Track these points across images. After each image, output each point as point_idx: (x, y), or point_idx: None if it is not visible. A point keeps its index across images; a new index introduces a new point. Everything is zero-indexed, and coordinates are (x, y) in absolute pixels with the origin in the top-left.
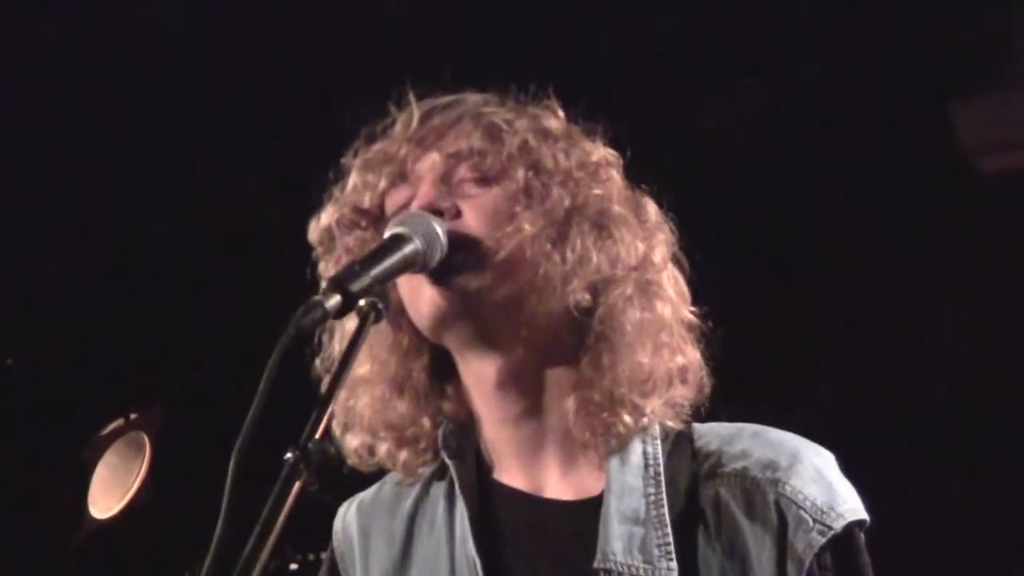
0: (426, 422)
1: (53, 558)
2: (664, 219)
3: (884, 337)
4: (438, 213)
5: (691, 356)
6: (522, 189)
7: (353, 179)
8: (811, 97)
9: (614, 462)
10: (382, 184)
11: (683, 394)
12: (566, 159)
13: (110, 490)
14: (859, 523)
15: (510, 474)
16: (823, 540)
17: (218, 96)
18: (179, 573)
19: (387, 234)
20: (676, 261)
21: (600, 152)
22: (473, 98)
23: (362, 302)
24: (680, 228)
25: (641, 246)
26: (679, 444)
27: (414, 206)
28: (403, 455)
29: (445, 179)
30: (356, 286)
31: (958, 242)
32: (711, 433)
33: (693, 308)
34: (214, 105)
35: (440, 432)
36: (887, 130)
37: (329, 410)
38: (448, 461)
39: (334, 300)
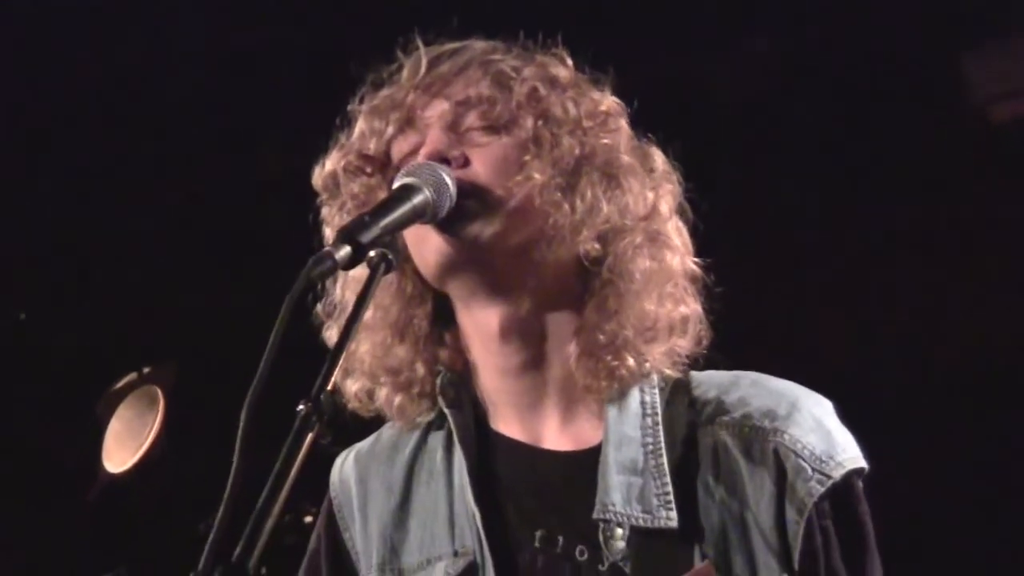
0: (421, 368)
1: (67, 512)
2: (670, 169)
3: (895, 290)
4: (446, 162)
5: (692, 307)
6: (531, 138)
7: (360, 126)
8: (821, 52)
9: (612, 411)
10: (389, 131)
11: (683, 344)
12: (575, 108)
13: (124, 444)
14: (858, 472)
15: (508, 424)
16: (822, 489)
17: (230, 55)
18: (193, 526)
19: (396, 184)
20: (681, 211)
21: (608, 101)
22: (480, 45)
23: (372, 253)
24: (688, 187)
25: (650, 196)
26: (677, 392)
27: (422, 154)
28: (400, 400)
29: (453, 127)
30: (366, 237)
31: (970, 191)
32: (709, 381)
33: (696, 260)
34: (226, 63)
35: (438, 381)
36: (897, 82)
37: (340, 361)
38: (446, 410)
39: (344, 251)
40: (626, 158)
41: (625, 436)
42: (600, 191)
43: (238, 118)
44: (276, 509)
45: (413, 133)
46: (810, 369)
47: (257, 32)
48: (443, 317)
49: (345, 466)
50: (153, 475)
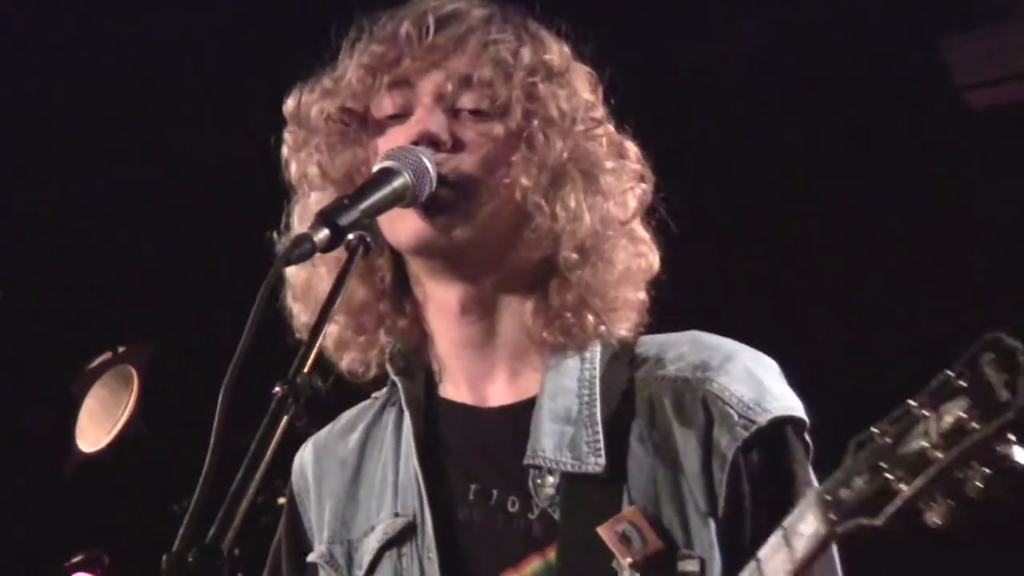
0: (383, 337)
1: (41, 491)
2: (643, 163)
3: (878, 270)
4: (434, 144)
5: (643, 295)
6: (523, 136)
7: (350, 75)
8: (806, 34)
9: (552, 364)
10: (379, 90)
11: (640, 320)
12: (568, 106)
13: (98, 423)
14: (791, 421)
15: (457, 389)
16: (747, 435)
17: (212, 31)
18: (168, 506)
19: (376, 168)
20: (651, 208)
21: (596, 96)
22: (478, 13)
23: (351, 236)
24: (673, 167)
25: (630, 199)
26: (620, 350)
27: (413, 131)
28: (349, 357)
29: (446, 105)
30: (345, 220)
31: (950, 176)
32: (652, 341)
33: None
34: (206, 40)
35: (387, 351)
36: (880, 66)
37: (318, 344)
38: (395, 379)
39: (323, 234)
40: (610, 163)
41: (562, 387)
42: (583, 196)
43: (216, 93)
44: (251, 490)
45: (400, 97)
46: (794, 353)
47: None
48: (404, 285)
49: (304, 452)
50: (127, 455)
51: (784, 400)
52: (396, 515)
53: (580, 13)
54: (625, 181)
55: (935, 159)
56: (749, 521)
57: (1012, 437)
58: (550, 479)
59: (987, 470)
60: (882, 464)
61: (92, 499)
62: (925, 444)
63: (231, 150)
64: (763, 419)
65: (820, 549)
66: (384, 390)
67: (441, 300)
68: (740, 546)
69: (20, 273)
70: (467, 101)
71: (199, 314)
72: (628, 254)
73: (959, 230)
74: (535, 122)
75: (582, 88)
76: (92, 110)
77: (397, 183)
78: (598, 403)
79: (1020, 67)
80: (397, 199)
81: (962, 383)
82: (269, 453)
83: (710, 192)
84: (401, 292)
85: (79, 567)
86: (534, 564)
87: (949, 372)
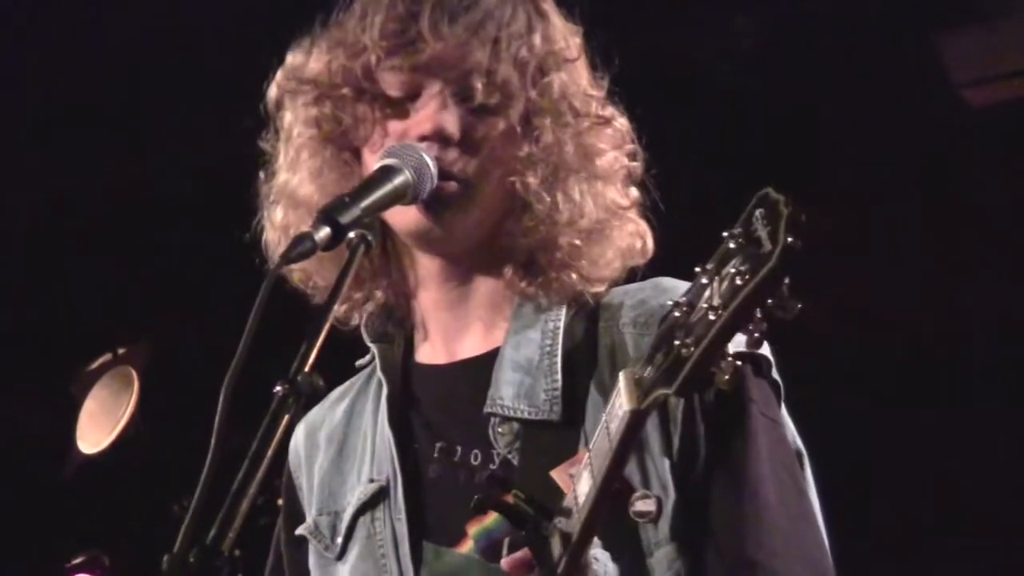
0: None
1: (41, 493)
2: (633, 138)
3: (873, 271)
4: (444, 139)
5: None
6: (533, 135)
7: (362, 40)
8: (800, 31)
9: (519, 313)
10: (391, 68)
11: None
12: (576, 98)
13: (98, 425)
14: (751, 359)
15: (434, 351)
16: None
17: (209, 33)
18: (168, 508)
19: (377, 165)
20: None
21: (592, 72)
22: (487, 3)
23: (351, 234)
24: (670, 163)
25: (633, 189)
26: (587, 301)
27: (426, 127)
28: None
29: (457, 98)
30: (345, 218)
31: (947, 173)
32: (617, 291)
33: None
34: (203, 41)
35: (364, 317)
36: (875, 63)
37: (319, 343)
38: (371, 345)
39: (323, 232)
40: (612, 154)
41: (525, 338)
42: (585, 187)
43: (216, 93)
44: (251, 491)
45: (409, 80)
46: (794, 353)
47: None
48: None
49: (298, 432)
50: (128, 456)
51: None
52: (371, 481)
53: (580, 13)
54: (620, 165)
55: (931, 157)
56: (703, 458)
57: (783, 287)
58: (510, 427)
59: (764, 323)
60: (676, 335)
61: (93, 500)
62: (707, 307)
63: (232, 150)
64: None
65: (633, 427)
66: (367, 357)
67: (426, 267)
68: (694, 483)
69: (19, 274)
70: (479, 96)
71: (199, 315)
72: (624, 233)
73: (955, 228)
74: (546, 120)
75: (584, 71)
76: (92, 109)
77: (398, 181)
78: (559, 352)
79: (1017, 65)
80: (398, 197)
81: (739, 243)
82: (270, 453)
83: (707, 189)
84: (386, 255)
85: (80, 568)
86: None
87: (725, 234)
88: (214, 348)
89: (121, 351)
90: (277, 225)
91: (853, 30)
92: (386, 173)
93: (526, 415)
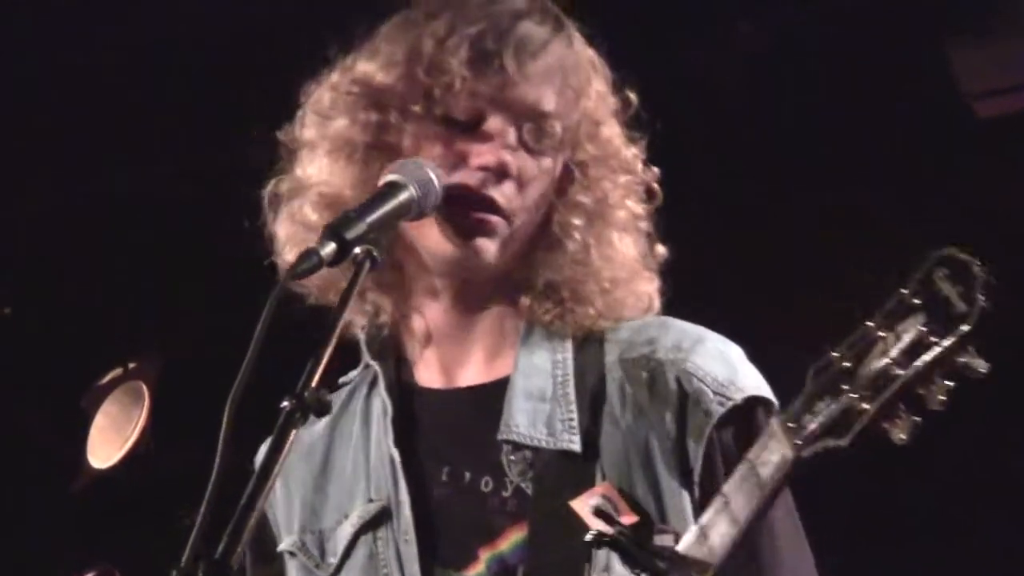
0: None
1: (52, 508)
2: (651, 171)
3: (881, 277)
4: (502, 175)
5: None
6: (583, 173)
7: (446, 70)
8: (806, 40)
9: (525, 343)
10: (468, 96)
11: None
12: (619, 143)
13: (109, 439)
14: (762, 401)
15: (430, 375)
16: (723, 411)
17: (220, 41)
18: (179, 522)
19: (382, 181)
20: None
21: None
22: (558, 51)
23: (357, 249)
24: (673, 175)
25: (660, 246)
26: (592, 333)
27: (490, 160)
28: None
29: (522, 133)
30: (352, 233)
31: (956, 185)
32: (625, 326)
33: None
34: (213, 51)
35: (363, 335)
36: (885, 74)
37: (326, 358)
38: (372, 363)
39: (329, 248)
40: (643, 211)
41: (535, 367)
42: (619, 238)
43: (226, 105)
44: (260, 504)
45: (475, 109)
46: (794, 355)
47: None
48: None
49: (264, 447)
50: (138, 471)
51: (755, 380)
52: (370, 500)
53: (579, 14)
54: (648, 222)
55: (941, 168)
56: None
57: (971, 348)
58: (523, 455)
59: (949, 382)
60: (844, 386)
61: (103, 515)
62: (886, 362)
63: (245, 162)
64: (738, 397)
65: (786, 474)
66: (352, 373)
67: (440, 288)
68: None
69: (30, 288)
70: (545, 139)
71: (209, 329)
72: (642, 284)
73: (964, 239)
74: (597, 170)
75: (622, 134)
76: (105, 120)
77: (403, 197)
78: (572, 383)
79: None
80: (403, 212)
81: (917, 300)
82: (277, 468)
83: (708, 193)
84: (394, 271)
85: None
86: (510, 538)
87: (903, 291)
88: (225, 363)
89: (132, 365)
90: (299, 220)
91: (863, 41)
92: (391, 189)
93: (543, 443)
